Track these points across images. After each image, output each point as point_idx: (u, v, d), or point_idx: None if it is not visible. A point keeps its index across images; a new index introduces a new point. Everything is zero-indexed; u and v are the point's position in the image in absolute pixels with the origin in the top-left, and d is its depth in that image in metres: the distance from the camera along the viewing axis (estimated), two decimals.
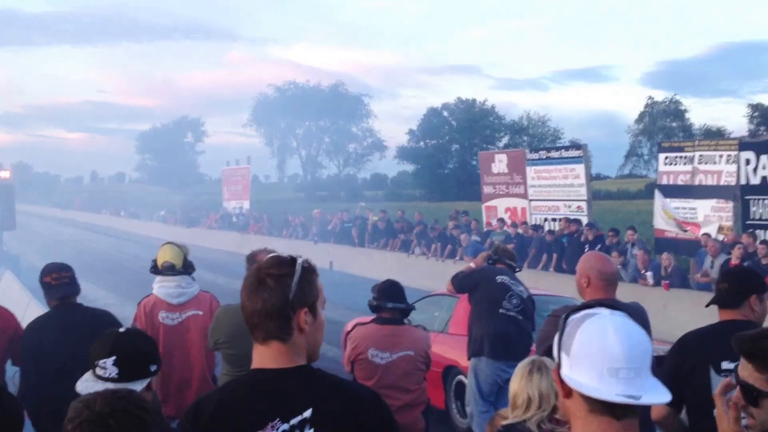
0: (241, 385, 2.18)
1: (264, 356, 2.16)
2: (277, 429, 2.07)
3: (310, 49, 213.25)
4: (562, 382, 1.82)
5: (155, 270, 5.14)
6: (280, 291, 2.12)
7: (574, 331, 1.80)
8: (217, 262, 26.51)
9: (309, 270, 2.19)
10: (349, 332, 5.58)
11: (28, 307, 9.79)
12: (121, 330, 2.92)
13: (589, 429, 1.79)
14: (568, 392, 1.81)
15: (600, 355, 1.75)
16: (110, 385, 2.54)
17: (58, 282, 4.35)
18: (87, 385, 2.66)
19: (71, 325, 4.28)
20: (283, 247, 25.21)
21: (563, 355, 1.83)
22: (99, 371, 2.67)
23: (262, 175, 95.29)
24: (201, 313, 5.12)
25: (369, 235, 24.77)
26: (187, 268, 5.18)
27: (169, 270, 5.09)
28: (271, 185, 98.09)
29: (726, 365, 3.37)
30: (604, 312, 1.83)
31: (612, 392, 1.73)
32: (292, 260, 2.18)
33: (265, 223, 33.37)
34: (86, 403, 1.84)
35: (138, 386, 2.63)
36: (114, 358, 2.66)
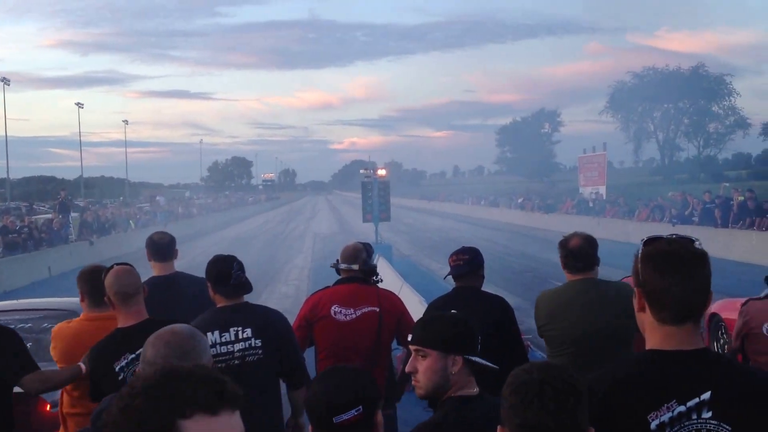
0: (640, 365, 2.12)
1: (671, 338, 2.07)
2: (673, 411, 2.01)
3: (670, 33, 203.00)
4: None
5: None
6: (708, 270, 2.07)
7: None
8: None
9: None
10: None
11: (401, 291, 10.95)
12: None
13: None
14: None
15: None
16: None
17: (455, 263, 4.63)
18: None
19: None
20: (640, 229, 24.96)
21: None
22: None
23: (616, 161, 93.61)
24: None
25: (734, 215, 24.07)
26: None
27: None
28: (626, 170, 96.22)
29: None
30: None
31: None
32: (692, 242, 2.12)
33: (622, 207, 33.99)
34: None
35: None
36: None
